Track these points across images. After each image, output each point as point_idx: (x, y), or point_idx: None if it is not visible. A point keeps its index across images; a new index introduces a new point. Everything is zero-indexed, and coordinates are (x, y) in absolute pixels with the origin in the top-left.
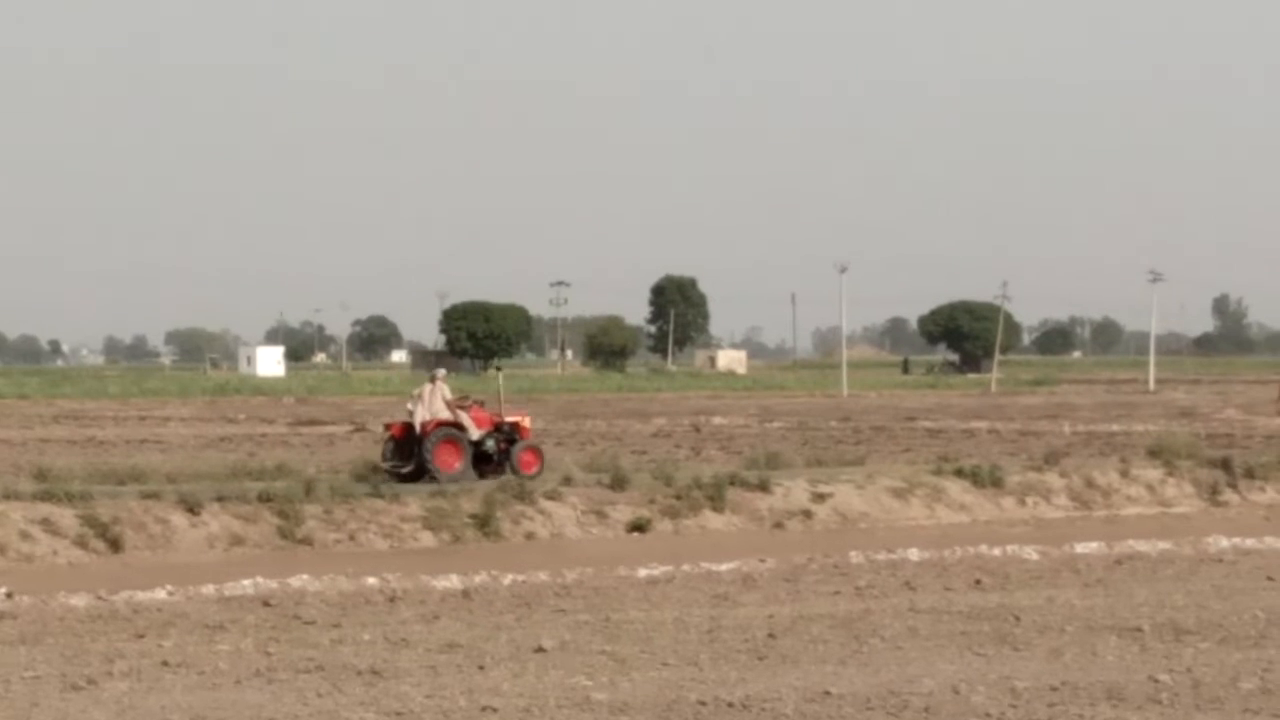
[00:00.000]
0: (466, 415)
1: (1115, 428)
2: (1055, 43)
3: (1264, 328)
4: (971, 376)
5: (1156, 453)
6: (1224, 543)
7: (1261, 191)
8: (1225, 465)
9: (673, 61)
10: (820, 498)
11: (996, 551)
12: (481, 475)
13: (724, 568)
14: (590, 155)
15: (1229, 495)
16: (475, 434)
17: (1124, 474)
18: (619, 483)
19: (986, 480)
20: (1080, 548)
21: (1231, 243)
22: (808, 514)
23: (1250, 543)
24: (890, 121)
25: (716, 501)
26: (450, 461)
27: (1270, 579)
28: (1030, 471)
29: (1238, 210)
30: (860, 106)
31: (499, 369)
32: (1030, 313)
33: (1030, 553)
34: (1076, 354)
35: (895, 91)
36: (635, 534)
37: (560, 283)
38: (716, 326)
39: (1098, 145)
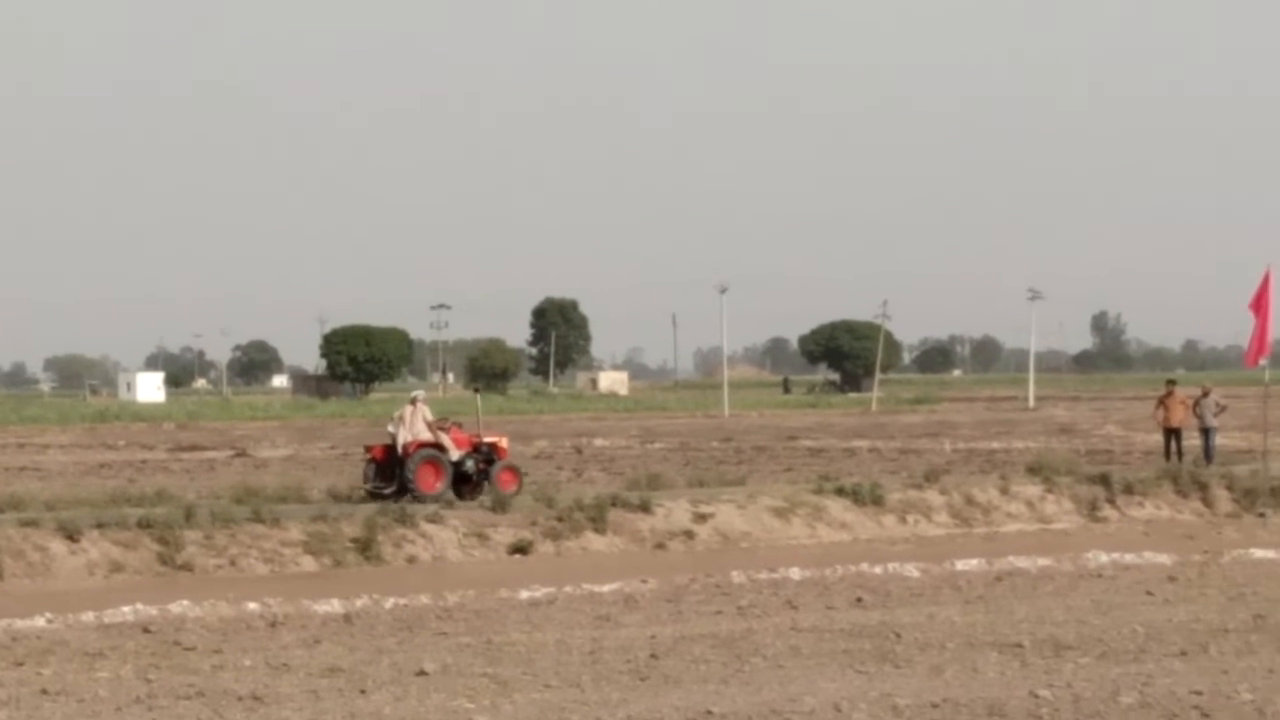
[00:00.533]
0: (447, 436)
1: (995, 445)
2: (929, 62)
3: (1142, 344)
4: (852, 395)
5: (1036, 470)
6: (1103, 558)
7: (1138, 209)
8: (1104, 481)
9: (544, 83)
10: (702, 518)
11: (878, 569)
12: (460, 495)
13: (606, 589)
14: (469, 178)
15: (1108, 511)
16: (455, 454)
17: (1004, 491)
18: (500, 505)
19: (867, 498)
20: (961, 565)
21: (1109, 260)
22: (689, 534)
23: (1129, 558)
24: (769, 141)
25: (598, 523)
26: (432, 482)
27: (1149, 593)
28: (911, 489)
29: (1116, 228)
30: (738, 126)
31: (478, 390)
32: (910, 331)
33: (911, 570)
34: (957, 372)
35: (772, 111)
36: (517, 556)
37: (441, 305)
38: (598, 348)
39: (976, 164)
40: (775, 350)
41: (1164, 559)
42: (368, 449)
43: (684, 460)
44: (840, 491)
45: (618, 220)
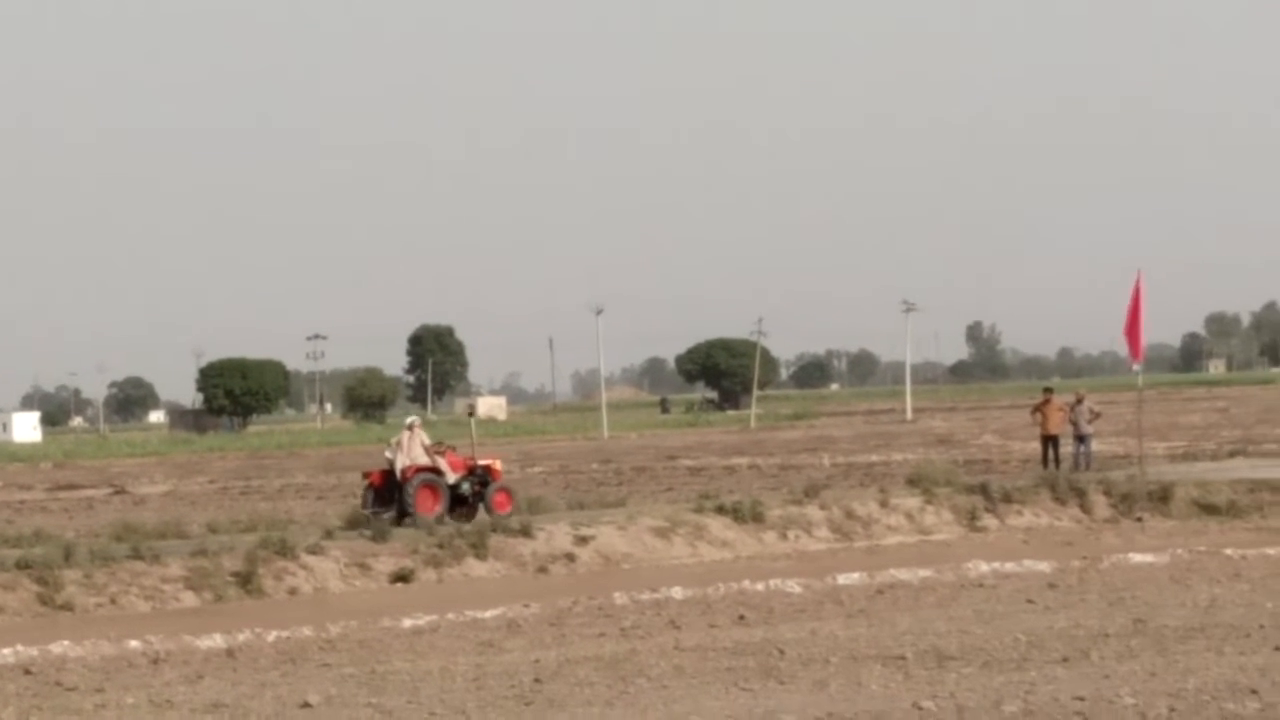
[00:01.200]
0: (443, 460)
1: (874, 458)
2: (794, 81)
3: (1017, 353)
4: (731, 413)
5: (915, 481)
6: (984, 567)
7: (1008, 219)
8: (983, 491)
9: (419, 113)
10: (583, 540)
11: (760, 586)
12: (455, 517)
13: (489, 615)
14: (339, 207)
15: (988, 520)
16: (452, 478)
17: (884, 504)
18: (380, 534)
19: (748, 516)
20: (842, 579)
21: (982, 271)
22: (571, 557)
23: (1010, 566)
24: (638, 162)
25: (479, 549)
26: (430, 505)
27: (1030, 601)
28: (791, 505)
29: (988, 238)
30: (608, 147)
31: (472, 414)
32: (787, 347)
33: (793, 586)
34: (834, 386)
35: (642, 132)
36: (399, 585)
37: (316, 336)
38: (475, 374)
39: (845, 179)
40: (653, 370)
41: (1044, 566)
42: (366, 475)
43: (564, 483)
44: (721, 510)
45: (491, 245)
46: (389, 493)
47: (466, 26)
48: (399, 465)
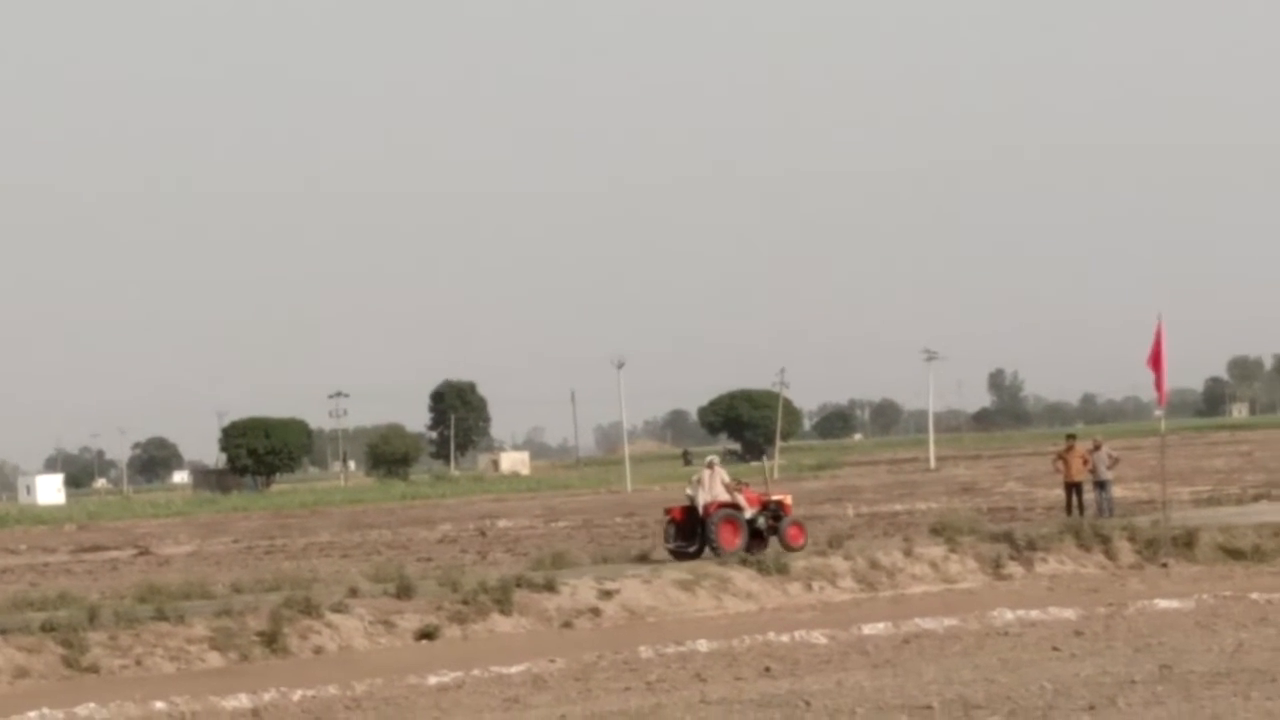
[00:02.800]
0: (741, 496)
1: (898, 507)
2: (807, 129)
3: (1040, 400)
4: (754, 464)
5: (939, 530)
6: (1009, 615)
7: (1030, 264)
8: (1007, 539)
9: (428, 163)
10: (607, 594)
11: (785, 638)
12: (750, 550)
13: (514, 670)
14: (358, 263)
15: (1012, 568)
16: (749, 513)
17: (908, 553)
18: (405, 591)
19: (772, 567)
20: (868, 629)
21: (1004, 318)
22: (596, 611)
23: (1035, 614)
24: (657, 213)
25: (504, 604)
26: (731, 539)
27: (1056, 649)
28: (815, 556)
29: (1009, 285)
30: (626, 200)
31: (768, 457)
32: (809, 397)
33: (818, 637)
34: (857, 436)
35: (657, 182)
36: (424, 642)
37: (339, 394)
38: (498, 429)
39: (860, 227)
40: (676, 422)
41: (1069, 613)
42: (667, 511)
43: (588, 537)
44: (744, 562)
45: (512, 299)
46: (690, 528)
47: (484, 74)
48: (701, 501)
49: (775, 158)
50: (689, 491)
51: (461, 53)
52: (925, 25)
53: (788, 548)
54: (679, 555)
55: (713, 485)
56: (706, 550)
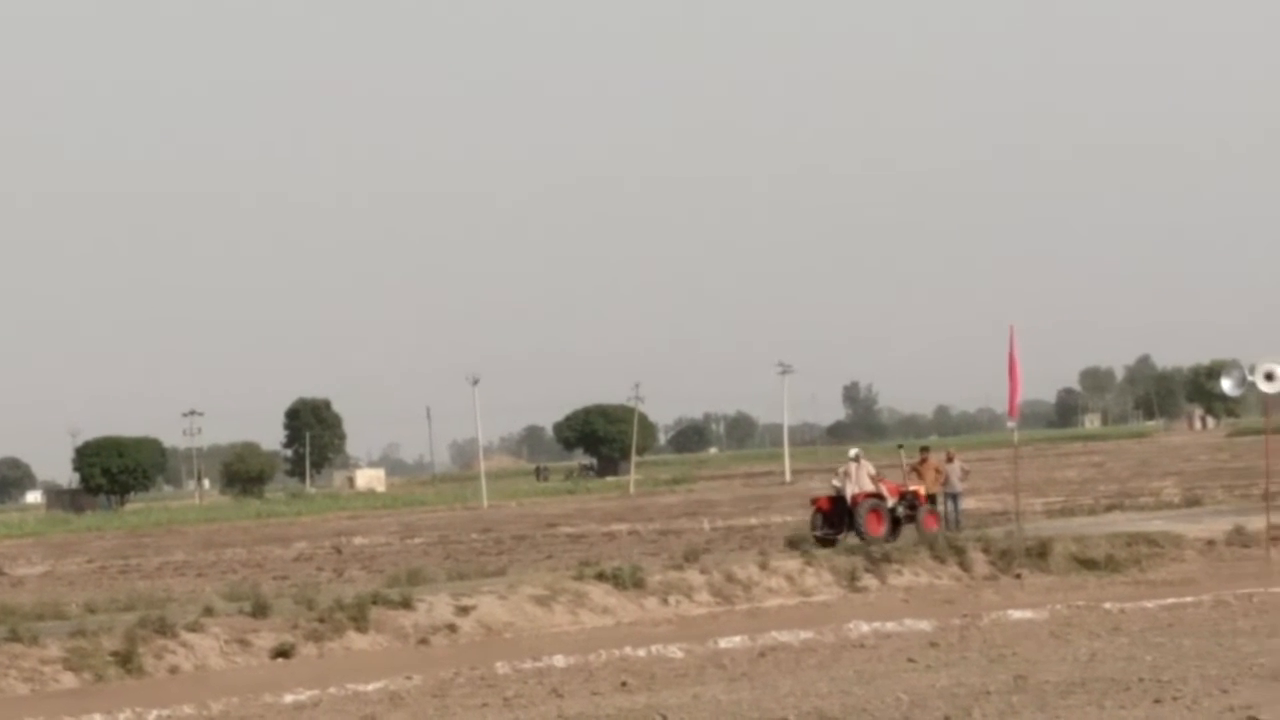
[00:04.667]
0: (884, 487)
1: (754, 521)
2: (664, 142)
3: (894, 412)
4: (610, 479)
5: (795, 543)
6: (864, 628)
7: (883, 278)
8: (863, 551)
9: (287, 180)
10: (464, 610)
11: (641, 652)
12: (890, 538)
13: (371, 688)
14: (210, 281)
15: (867, 580)
16: (890, 502)
17: (764, 566)
18: (261, 610)
19: (628, 582)
20: (724, 643)
21: (858, 331)
22: (452, 628)
23: (890, 626)
24: (507, 227)
25: (360, 622)
26: (877, 526)
27: (911, 660)
28: (671, 570)
29: (862, 299)
30: (481, 215)
31: (901, 446)
32: (664, 412)
33: (675, 651)
34: (713, 450)
35: (505, 196)
36: (280, 660)
37: (193, 412)
38: (353, 446)
39: (718, 241)
40: (532, 438)
41: (924, 625)
42: (814, 501)
43: (444, 554)
44: (601, 576)
45: (366, 316)
46: (837, 516)
47: (330, 97)
48: (849, 492)
49: (630, 170)
50: (835, 483)
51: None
52: (746, 36)
53: (924, 534)
54: (825, 542)
55: (859, 477)
56: (852, 536)
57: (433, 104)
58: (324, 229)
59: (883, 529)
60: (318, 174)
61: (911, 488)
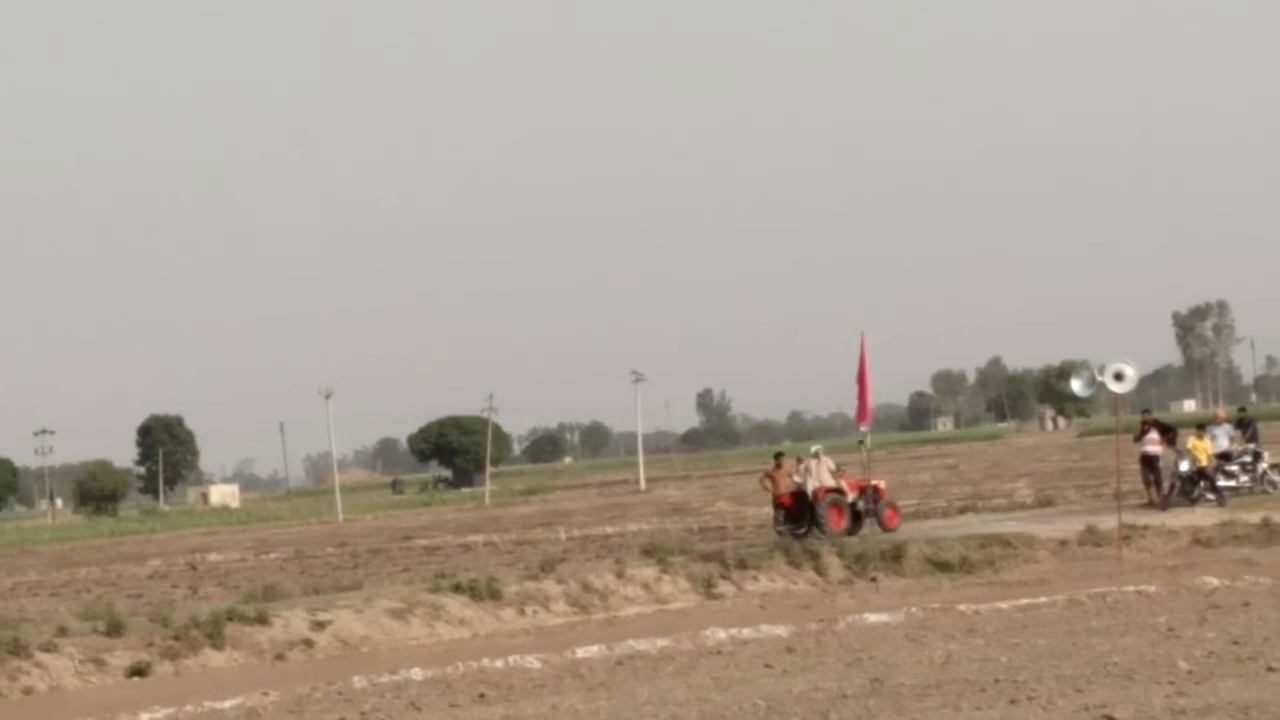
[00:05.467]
0: (844, 482)
1: (610, 529)
2: (523, 148)
3: (748, 419)
4: (465, 491)
5: (651, 551)
6: (721, 634)
7: (734, 284)
8: (718, 558)
9: (136, 196)
10: (320, 625)
11: (499, 663)
12: (851, 531)
13: (227, 705)
14: (59, 297)
15: (724, 587)
16: (851, 496)
17: (620, 575)
18: (115, 628)
19: (485, 593)
20: (581, 652)
21: (710, 338)
22: (309, 643)
23: (747, 632)
24: (360, 242)
25: (216, 638)
26: (838, 521)
27: (768, 666)
28: (528, 581)
29: (714, 305)
30: (330, 227)
31: (862, 443)
32: (518, 422)
33: (533, 661)
34: (567, 459)
35: (366, 203)
36: (136, 679)
37: (44, 431)
38: (207, 462)
39: (568, 252)
40: (386, 451)
41: (781, 631)
42: (777, 497)
43: (300, 569)
44: (457, 588)
45: (216, 331)
46: (799, 512)
47: (177, 112)
48: (810, 487)
49: (480, 178)
50: (797, 478)
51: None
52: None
53: (884, 528)
54: (790, 535)
55: (820, 472)
56: (815, 531)
57: (269, 108)
58: (173, 240)
59: (843, 523)
60: (166, 177)
61: (872, 482)
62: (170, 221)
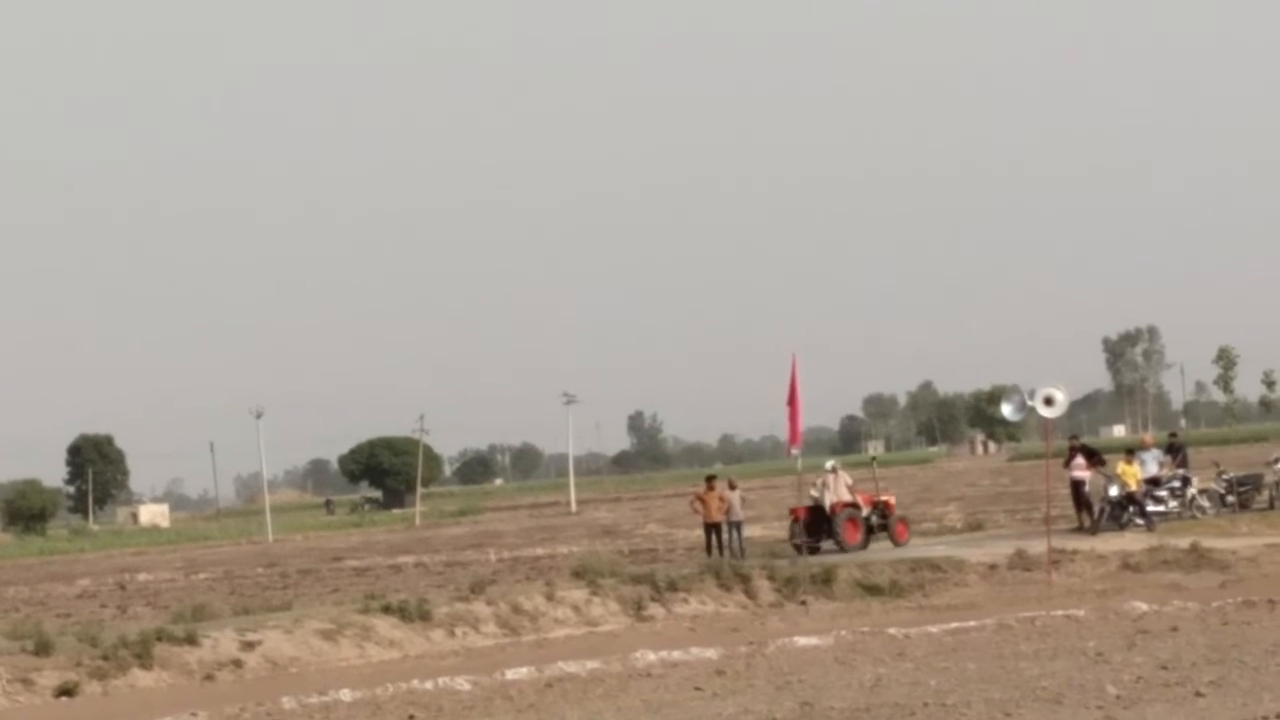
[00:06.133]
0: (860, 497)
1: (540, 551)
2: (448, 170)
3: (679, 441)
4: (396, 512)
5: (581, 573)
6: (651, 656)
7: (666, 305)
8: (649, 580)
9: (59, 214)
10: (249, 646)
11: (429, 685)
12: (862, 546)
13: None
14: None
15: (654, 609)
16: (864, 511)
17: (550, 597)
18: (44, 648)
19: (415, 614)
20: (511, 674)
21: (642, 360)
22: (238, 663)
23: (677, 654)
24: (290, 261)
25: (145, 659)
26: (854, 535)
27: (698, 689)
28: (458, 602)
29: (646, 327)
30: (263, 244)
31: (874, 459)
32: (450, 443)
33: (462, 683)
34: (498, 481)
35: (292, 228)
36: (64, 699)
37: None
38: (137, 481)
39: (501, 271)
40: (317, 471)
41: (711, 653)
42: (792, 511)
43: (229, 589)
44: (387, 609)
45: (147, 351)
46: (815, 525)
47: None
48: (828, 501)
49: (412, 201)
50: (813, 493)
51: None
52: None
53: (895, 542)
54: (806, 550)
55: (837, 487)
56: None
57: (190, 120)
58: (103, 256)
59: (859, 536)
60: (95, 192)
61: (882, 498)
62: (100, 238)
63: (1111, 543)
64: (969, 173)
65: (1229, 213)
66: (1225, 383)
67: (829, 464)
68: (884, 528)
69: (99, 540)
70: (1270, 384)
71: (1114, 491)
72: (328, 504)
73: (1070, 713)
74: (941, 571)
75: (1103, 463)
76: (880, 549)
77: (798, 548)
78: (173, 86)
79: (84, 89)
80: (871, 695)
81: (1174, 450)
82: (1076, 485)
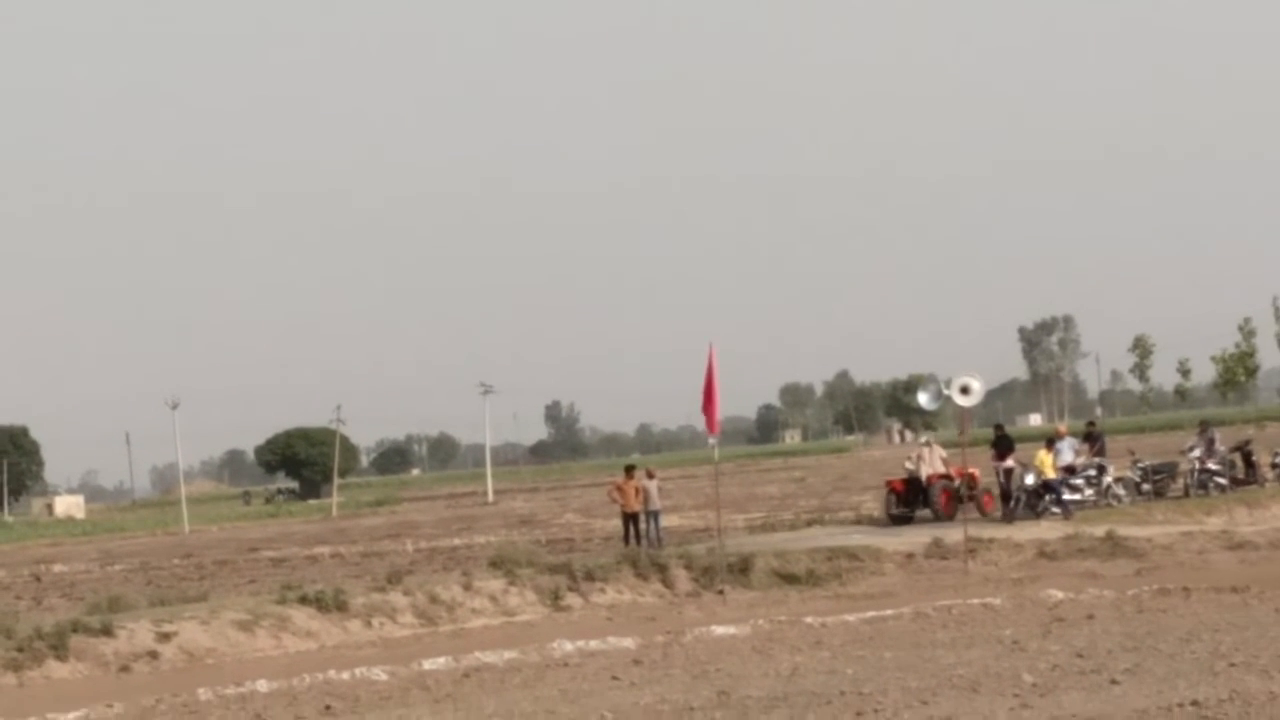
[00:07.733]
0: (952, 470)
1: (457, 541)
2: (355, 161)
3: (596, 431)
4: (313, 502)
5: (498, 563)
6: (568, 646)
7: (582, 296)
8: (566, 570)
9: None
10: (165, 637)
11: (345, 675)
12: (952, 516)
13: (70, 717)
14: None
15: (571, 599)
16: (956, 483)
17: (467, 587)
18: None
19: (331, 604)
20: (428, 664)
21: (559, 350)
22: (154, 654)
23: (594, 644)
24: (207, 249)
25: (60, 650)
26: (948, 505)
27: (615, 678)
28: (375, 592)
29: (563, 317)
30: (175, 234)
31: (927, 443)
32: (366, 434)
33: (379, 674)
34: (415, 471)
35: (215, 210)
36: None
37: None
38: (52, 472)
39: (419, 260)
40: (233, 462)
41: (628, 643)
42: (888, 483)
43: (145, 580)
44: (303, 600)
45: (62, 341)
46: (910, 496)
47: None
48: (924, 473)
49: (328, 190)
50: (909, 465)
51: None
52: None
53: (982, 513)
54: (901, 520)
55: (932, 460)
56: (927, 512)
57: (137, 109)
58: (18, 244)
59: (953, 507)
60: (10, 181)
61: (970, 471)
62: (13, 229)
63: (1028, 531)
64: (886, 169)
65: (1144, 200)
66: (1141, 371)
67: (923, 439)
68: (972, 498)
69: (13, 532)
70: (1185, 373)
71: (1030, 480)
72: (244, 495)
73: (986, 701)
74: (858, 560)
75: (1009, 453)
76: (790, 537)
77: (893, 518)
78: (81, 79)
79: None
80: (789, 684)
81: (1092, 439)
82: (1008, 474)
